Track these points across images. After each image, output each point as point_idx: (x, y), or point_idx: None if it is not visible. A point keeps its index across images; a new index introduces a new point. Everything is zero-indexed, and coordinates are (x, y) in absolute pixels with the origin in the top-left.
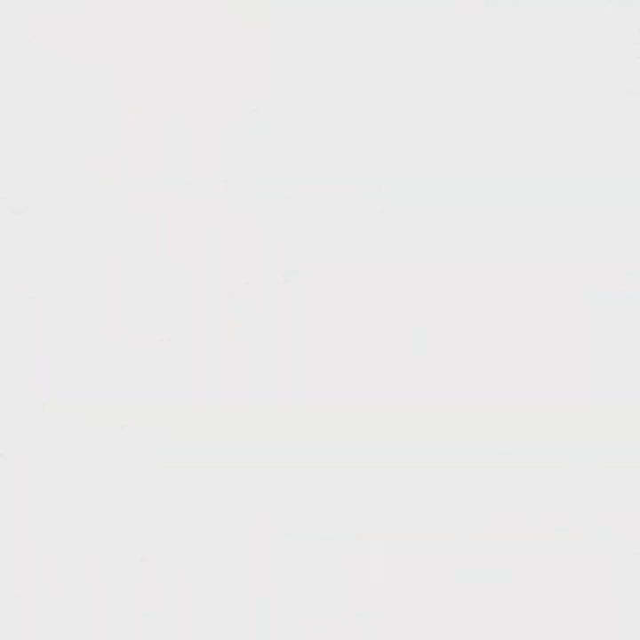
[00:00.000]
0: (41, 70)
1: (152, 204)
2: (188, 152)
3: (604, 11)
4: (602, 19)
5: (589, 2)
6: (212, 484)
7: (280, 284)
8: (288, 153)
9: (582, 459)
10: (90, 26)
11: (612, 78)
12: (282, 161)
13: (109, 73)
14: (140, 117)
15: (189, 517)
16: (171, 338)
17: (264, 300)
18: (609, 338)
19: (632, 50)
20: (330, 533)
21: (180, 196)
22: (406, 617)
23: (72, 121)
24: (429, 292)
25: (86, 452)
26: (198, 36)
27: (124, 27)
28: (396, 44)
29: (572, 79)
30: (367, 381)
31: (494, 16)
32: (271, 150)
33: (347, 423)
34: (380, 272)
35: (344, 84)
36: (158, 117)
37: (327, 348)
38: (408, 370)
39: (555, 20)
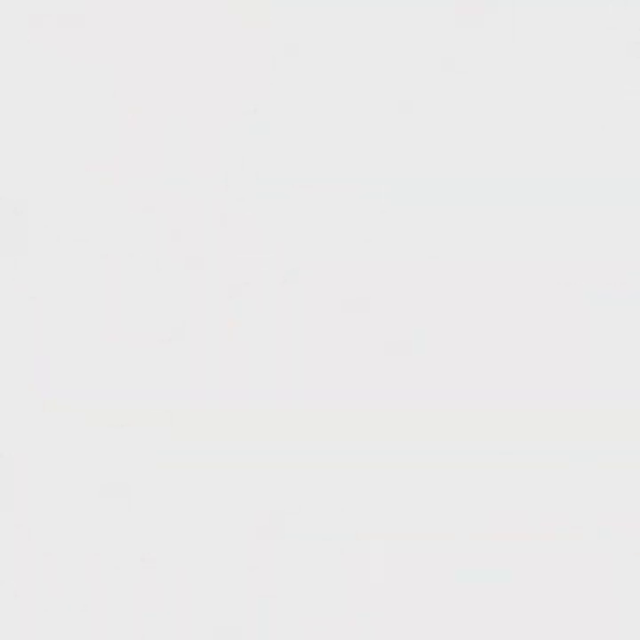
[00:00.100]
0: (41, 70)
1: (152, 204)
2: (188, 152)
3: (604, 11)
4: (602, 19)
5: (589, 2)
6: (211, 483)
7: (280, 284)
8: (288, 153)
9: (582, 459)
10: (90, 26)
11: (612, 78)
12: (282, 161)
13: (109, 73)
14: (139, 117)
15: (189, 517)
16: (171, 338)
17: (264, 300)
18: (609, 338)
19: (632, 50)
20: (330, 533)
21: (180, 196)
22: (406, 617)
23: (72, 121)
24: (429, 292)
25: (86, 451)
26: (198, 36)
27: (124, 27)
28: (396, 44)
29: (572, 79)
30: (367, 381)
31: (494, 16)
32: (271, 150)
33: (347, 423)
34: (380, 272)
35: (344, 84)
36: (158, 117)
37: (327, 348)
38: (408, 370)
39: (555, 19)
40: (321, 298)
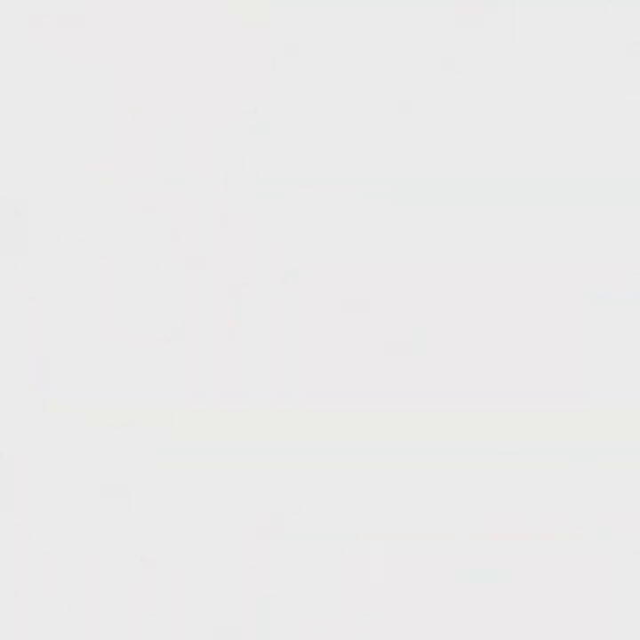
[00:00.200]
0: (41, 70)
1: (152, 204)
2: (188, 152)
3: (604, 11)
4: (602, 19)
5: (589, 2)
6: (211, 484)
7: (280, 284)
8: (288, 153)
9: (582, 459)
10: (90, 26)
11: (612, 78)
12: (282, 161)
13: (109, 73)
14: (139, 117)
15: (189, 517)
16: (171, 338)
17: (264, 300)
18: (609, 338)
19: (632, 50)
20: (330, 533)
21: (180, 197)
22: (406, 617)
23: (72, 121)
24: (429, 292)
25: (86, 451)
26: (198, 36)
27: (124, 27)
28: (396, 44)
29: (572, 79)
30: (367, 381)
31: (494, 16)
32: (271, 150)
33: (347, 423)
34: (380, 272)
35: (344, 84)
36: (158, 117)
37: (327, 348)
38: (408, 370)
39: (555, 20)
40: (321, 298)
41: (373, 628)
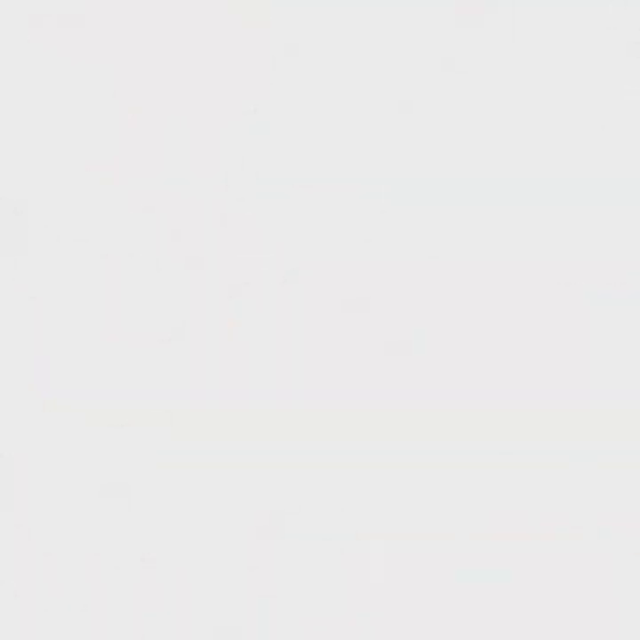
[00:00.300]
0: (41, 70)
1: (152, 204)
2: (188, 152)
3: (604, 11)
4: (602, 19)
5: (589, 2)
6: (211, 483)
7: (280, 284)
8: (288, 153)
9: (582, 459)
10: (90, 26)
11: (612, 78)
12: (282, 161)
13: (109, 73)
14: (139, 117)
15: (189, 517)
16: (171, 338)
17: (264, 300)
18: (609, 338)
19: (632, 50)
20: (330, 533)
21: (180, 196)
22: (406, 617)
23: (72, 121)
24: (429, 292)
25: (86, 451)
26: (198, 36)
27: (124, 27)
28: (396, 44)
29: (572, 79)
30: (367, 381)
31: (494, 16)
32: (271, 150)
33: (347, 423)
34: (380, 272)
35: (344, 84)
36: (158, 117)
37: (327, 348)
38: (408, 370)
39: (555, 20)
40: (321, 298)
41: (373, 628)
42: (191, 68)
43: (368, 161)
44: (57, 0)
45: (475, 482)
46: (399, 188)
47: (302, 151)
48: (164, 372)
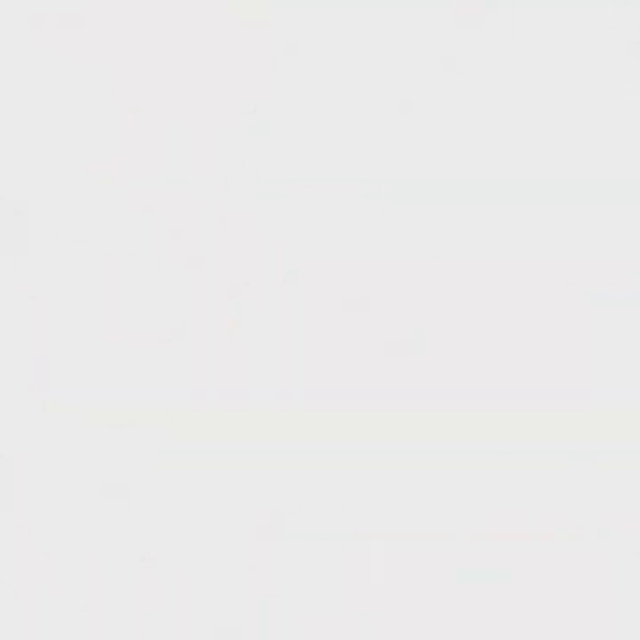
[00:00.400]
0: (41, 70)
1: (152, 204)
2: (188, 152)
3: (604, 11)
4: (602, 19)
5: (589, 2)
6: (211, 483)
7: (280, 284)
8: (288, 153)
9: (582, 459)
10: (90, 26)
11: (612, 78)
12: (282, 161)
13: (109, 73)
14: (139, 117)
15: (189, 517)
16: (171, 338)
17: (264, 300)
18: (609, 338)
19: (632, 50)
20: (330, 533)
21: (180, 196)
22: (406, 617)
23: (72, 121)
24: (429, 292)
25: (86, 451)
26: (198, 36)
27: (124, 27)
28: (396, 44)
29: (572, 79)
30: (367, 381)
31: (494, 16)
32: (271, 150)
33: (347, 423)
34: (380, 272)
35: (344, 84)
36: (158, 117)
37: (327, 347)
38: (408, 370)
39: (555, 20)
40: (321, 298)
41: (373, 628)
42: (191, 68)
43: (368, 161)
44: (57, 0)
45: (475, 482)
46: (399, 188)
47: (302, 151)
48: (163, 372)
